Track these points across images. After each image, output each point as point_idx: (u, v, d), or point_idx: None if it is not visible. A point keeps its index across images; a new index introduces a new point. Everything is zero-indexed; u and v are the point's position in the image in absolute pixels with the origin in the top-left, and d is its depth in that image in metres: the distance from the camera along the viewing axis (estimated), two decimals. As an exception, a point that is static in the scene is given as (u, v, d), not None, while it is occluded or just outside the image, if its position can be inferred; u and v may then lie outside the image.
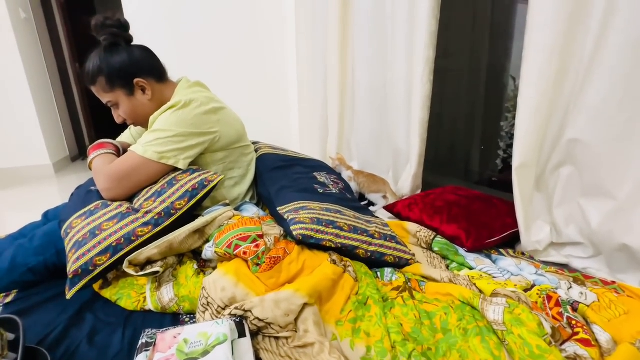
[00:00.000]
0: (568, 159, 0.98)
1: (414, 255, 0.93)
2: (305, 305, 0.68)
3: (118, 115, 1.00)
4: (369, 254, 0.86)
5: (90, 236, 0.78)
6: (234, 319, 0.64)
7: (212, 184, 0.90)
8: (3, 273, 0.83)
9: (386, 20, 1.44)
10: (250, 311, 0.65)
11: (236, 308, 0.66)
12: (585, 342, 0.62)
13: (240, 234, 0.80)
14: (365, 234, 0.87)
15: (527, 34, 0.93)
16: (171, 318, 0.78)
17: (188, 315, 0.78)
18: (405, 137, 1.47)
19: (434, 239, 1.03)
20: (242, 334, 0.61)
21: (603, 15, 0.82)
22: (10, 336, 0.55)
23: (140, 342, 0.59)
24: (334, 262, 0.79)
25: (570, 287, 0.79)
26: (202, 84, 1.09)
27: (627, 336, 0.62)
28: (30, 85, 2.45)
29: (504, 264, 0.93)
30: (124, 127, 1.13)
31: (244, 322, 0.64)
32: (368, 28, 1.54)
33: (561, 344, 0.62)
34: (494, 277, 0.85)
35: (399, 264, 0.89)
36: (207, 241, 0.87)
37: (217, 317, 0.67)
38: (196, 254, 0.91)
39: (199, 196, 0.88)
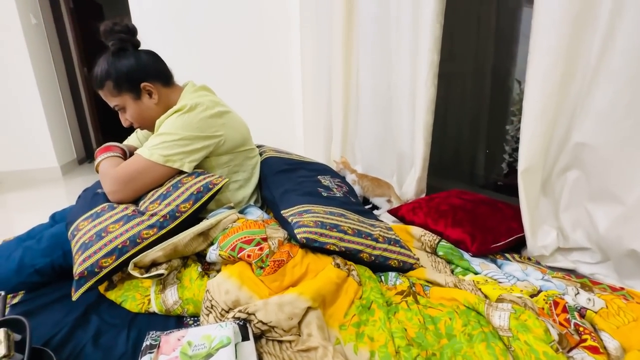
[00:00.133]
0: (575, 163, 0.97)
1: (418, 259, 0.92)
2: (308, 309, 0.68)
3: (125, 119, 1.02)
4: (373, 257, 0.86)
5: (97, 238, 0.79)
6: (238, 322, 0.64)
7: (216, 187, 0.91)
8: (11, 274, 0.84)
9: (390, 24, 1.44)
10: (254, 314, 0.65)
11: (240, 311, 0.66)
12: (593, 350, 0.61)
13: (245, 237, 0.80)
14: (369, 238, 0.87)
15: (533, 36, 0.92)
16: (175, 320, 0.78)
17: (192, 318, 0.78)
18: (410, 140, 1.46)
19: (438, 243, 1.03)
20: (245, 337, 0.61)
21: (609, 17, 0.81)
22: (17, 337, 0.56)
23: (144, 344, 0.60)
24: (338, 265, 0.79)
25: (578, 293, 0.78)
26: (207, 87, 1.10)
27: (636, 343, 0.61)
28: (39, 89, 2.50)
29: (509, 269, 0.92)
30: (130, 130, 1.14)
31: (248, 325, 0.64)
32: (372, 32, 1.54)
33: (568, 351, 0.61)
34: (500, 282, 0.85)
35: (403, 268, 0.89)
36: (212, 244, 0.87)
37: (220, 319, 0.67)
38: (200, 257, 0.91)
39: (203, 199, 0.89)
